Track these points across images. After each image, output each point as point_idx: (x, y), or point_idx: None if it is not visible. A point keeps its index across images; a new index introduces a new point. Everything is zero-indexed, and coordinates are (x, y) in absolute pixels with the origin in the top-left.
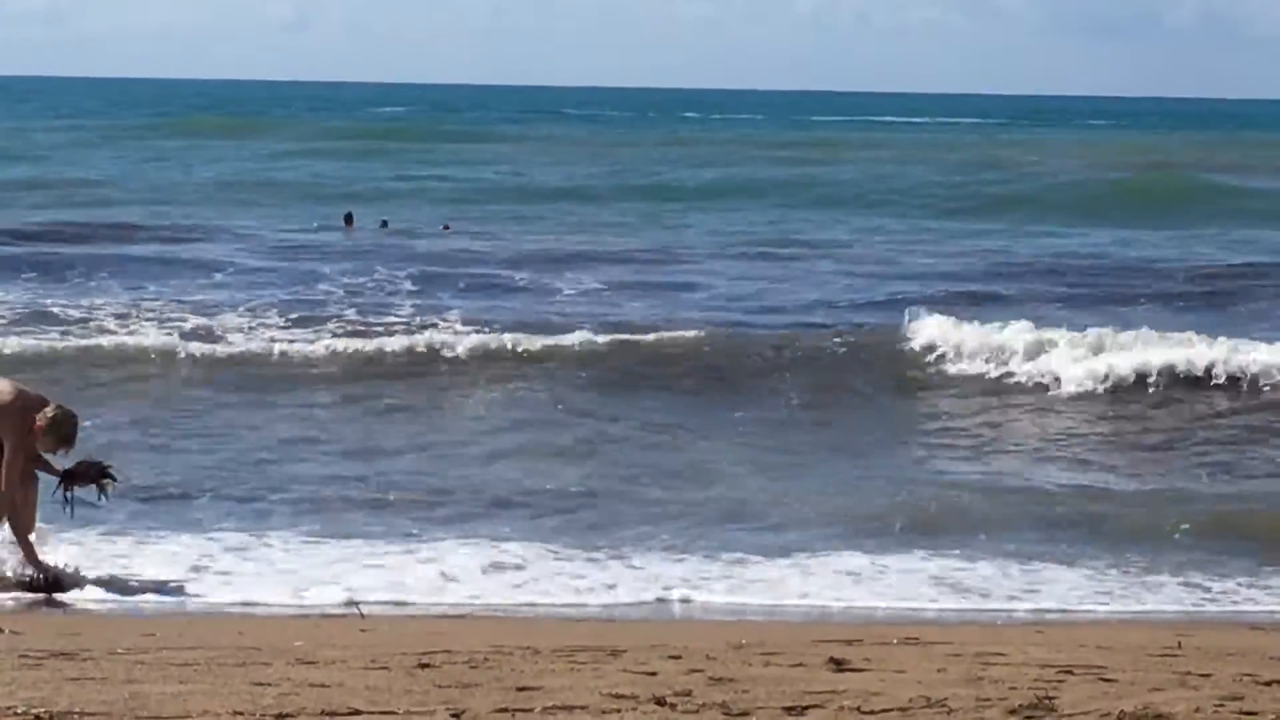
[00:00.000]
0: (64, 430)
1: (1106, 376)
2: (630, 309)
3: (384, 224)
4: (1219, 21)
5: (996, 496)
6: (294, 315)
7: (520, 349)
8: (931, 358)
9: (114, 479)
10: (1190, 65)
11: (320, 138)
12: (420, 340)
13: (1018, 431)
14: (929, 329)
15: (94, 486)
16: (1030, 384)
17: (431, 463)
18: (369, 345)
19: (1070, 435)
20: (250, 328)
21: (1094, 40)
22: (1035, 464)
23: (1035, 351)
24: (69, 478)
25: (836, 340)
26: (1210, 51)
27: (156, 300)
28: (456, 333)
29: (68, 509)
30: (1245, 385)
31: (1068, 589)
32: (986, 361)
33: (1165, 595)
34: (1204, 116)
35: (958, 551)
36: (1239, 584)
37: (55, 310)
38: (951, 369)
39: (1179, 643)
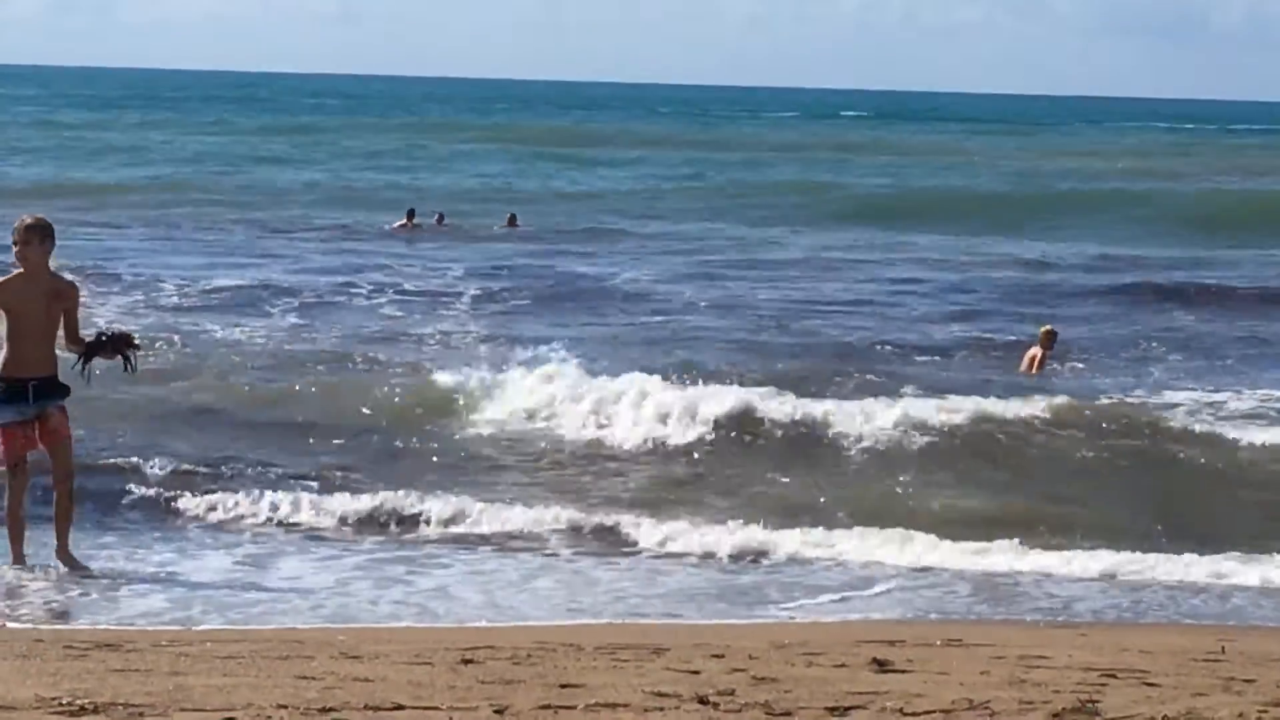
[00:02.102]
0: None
1: None
2: None
3: (440, 218)
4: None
5: None
6: None
7: None
8: None
9: (138, 347)
10: (1239, 67)
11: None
12: None
13: None
14: None
15: (119, 358)
16: None
17: None
18: None
19: None
20: None
21: (1141, 39)
22: None
23: None
24: (91, 350)
25: None
26: (1259, 53)
27: None
28: None
29: (85, 378)
30: None
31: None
32: None
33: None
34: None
35: None
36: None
37: None
38: None
39: (1222, 647)
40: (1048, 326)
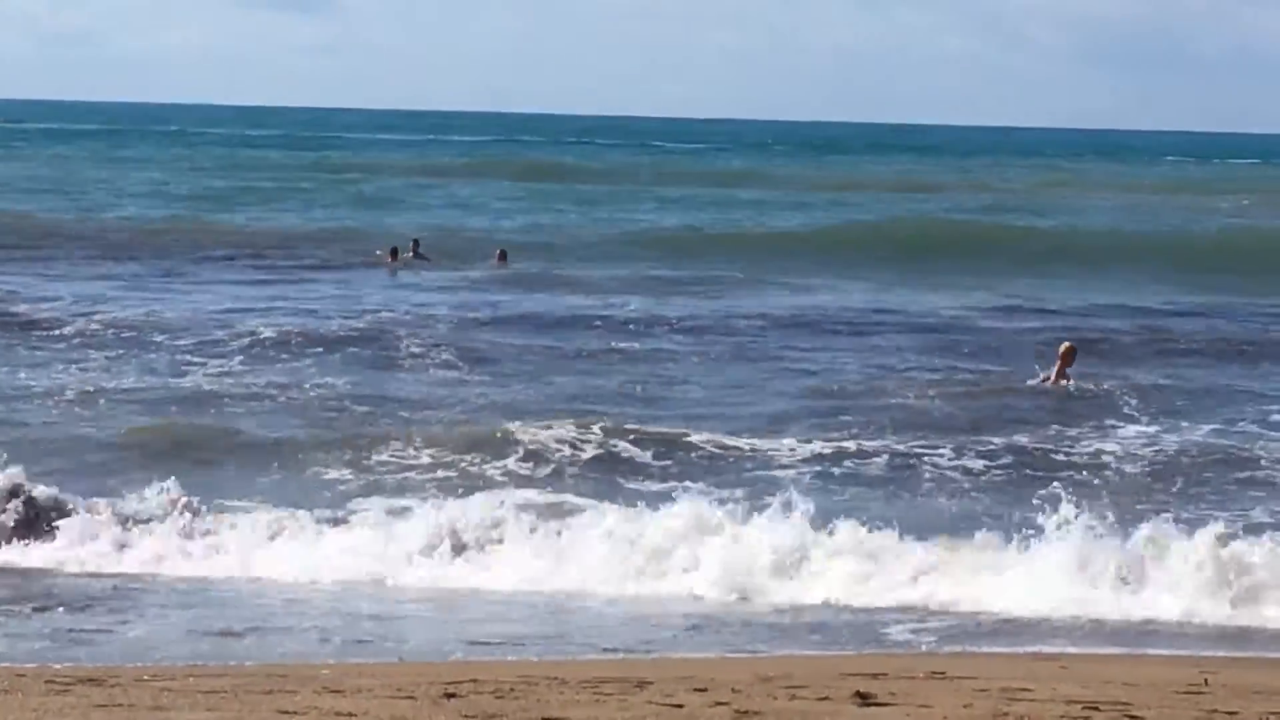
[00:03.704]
0: None
1: None
2: None
3: (415, 244)
4: (1249, 55)
5: None
6: None
7: None
8: None
9: None
10: (1219, 98)
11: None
12: None
13: None
14: None
15: None
16: None
17: None
18: None
19: None
20: None
21: (1121, 72)
22: None
23: None
24: None
25: None
26: (1240, 84)
27: None
28: None
29: None
30: None
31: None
32: None
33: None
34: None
35: None
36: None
37: None
38: None
39: (1205, 679)
40: (1068, 344)
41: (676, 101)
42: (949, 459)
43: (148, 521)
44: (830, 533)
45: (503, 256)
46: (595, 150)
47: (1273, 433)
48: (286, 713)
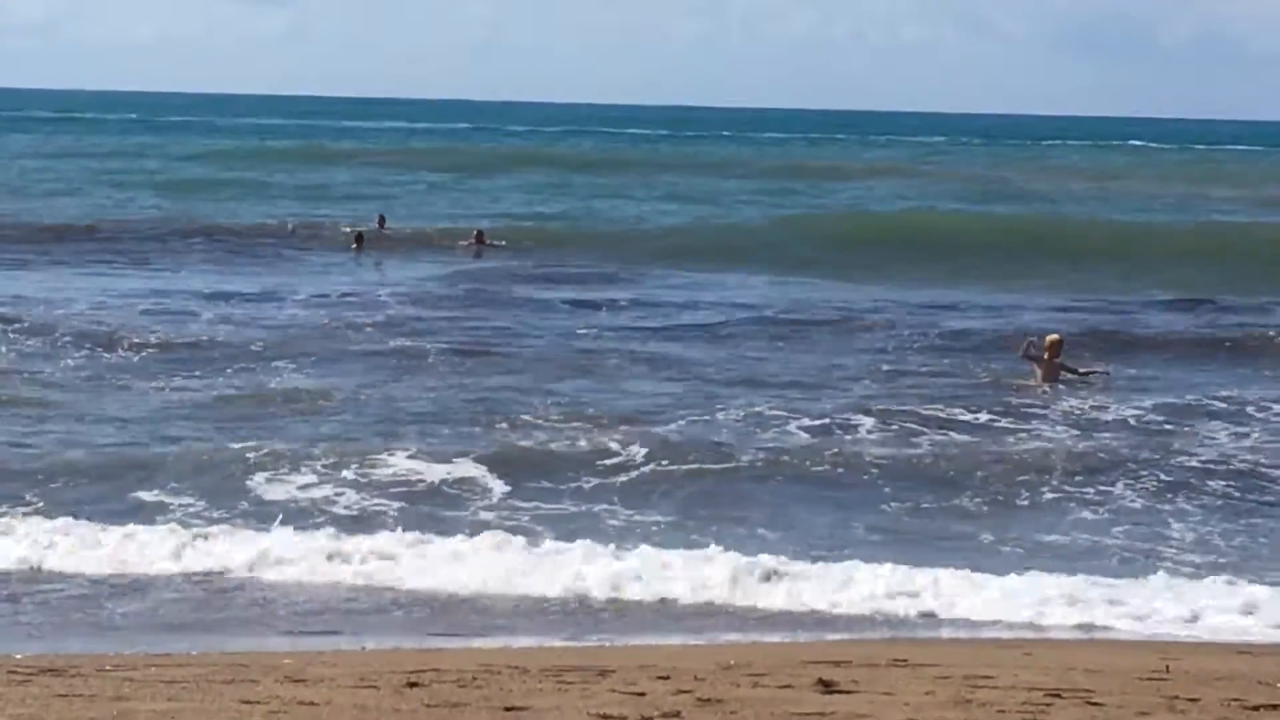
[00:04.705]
0: None
1: None
2: None
3: (381, 219)
4: (1216, 41)
5: None
6: None
7: None
8: None
9: None
10: (1185, 85)
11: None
12: None
13: None
14: None
15: None
16: None
17: None
18: None
19: None
20: None
21: (1088, 59)
22: None
23: None
24: None
25: None
26: (1206, 71)
27: None
28: None
29: None
30: None
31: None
32: None
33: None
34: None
35: None
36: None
37: None
38: None
39: (1167, 666)
40: (1054, 336)
41: (641, 88)
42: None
43: None
44: None
45: (480, 237)
46: (567, 137)
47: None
48: (249, 702)
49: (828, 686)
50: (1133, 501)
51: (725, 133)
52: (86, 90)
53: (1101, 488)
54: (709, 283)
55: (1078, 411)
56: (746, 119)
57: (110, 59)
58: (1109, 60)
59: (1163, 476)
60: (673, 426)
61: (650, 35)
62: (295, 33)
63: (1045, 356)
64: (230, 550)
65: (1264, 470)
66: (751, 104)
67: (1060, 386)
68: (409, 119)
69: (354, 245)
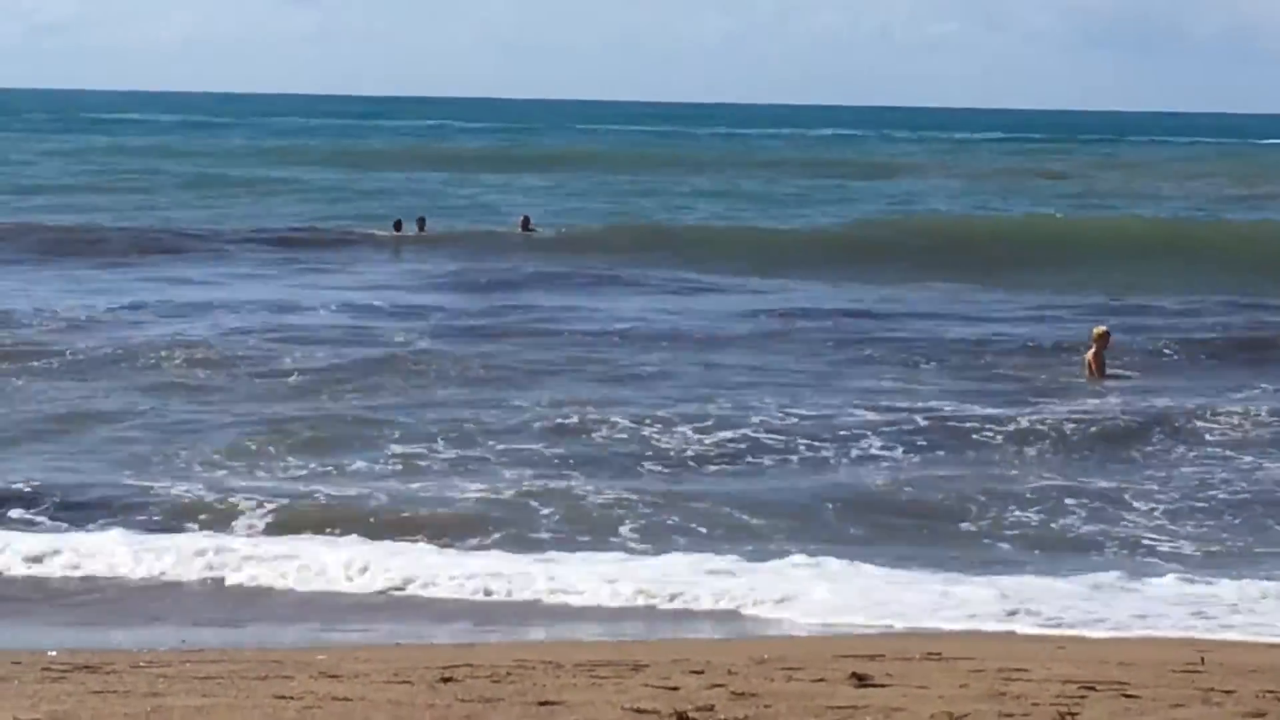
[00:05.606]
0: None
1: None
2: None
3: (421, 222)
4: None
5: None
6: None
7: None
8: None
9: None
10: (1215, 79)
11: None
12: None
13: None
14: None
15: None
16: None
17: None
18: None
19: None
20: None
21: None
22: None
23: None
24: None
25: None
26: (1235, 66)
27: None
28: None
29: None
30: None
31: None
32: None
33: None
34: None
35: None
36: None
37: None
38: None
39: (1201, 659)
40: (1101, 328)
41: (662, 86)
42: None
43: None
44: None
45: (526, 224)
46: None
47: None
48: (283, 698)
49: (861, 680)
50: (1160, 498)
51: (771, 130)
52: (119, 90)
53: (1130, 484)
54: (765, 287)
55: (1123, 405)
56: (783, 115)
57: (135, 59)
58: (1134, 54)
59: (1190, 472)
60: (712, 427)
61: (675, 31)
62: (323, 33)
63: (1094, 349)
64: (259, 552)
65: None
66: (783, 100)
67: (1107, 383)
68: (444, 116)
69: (396, 233)
